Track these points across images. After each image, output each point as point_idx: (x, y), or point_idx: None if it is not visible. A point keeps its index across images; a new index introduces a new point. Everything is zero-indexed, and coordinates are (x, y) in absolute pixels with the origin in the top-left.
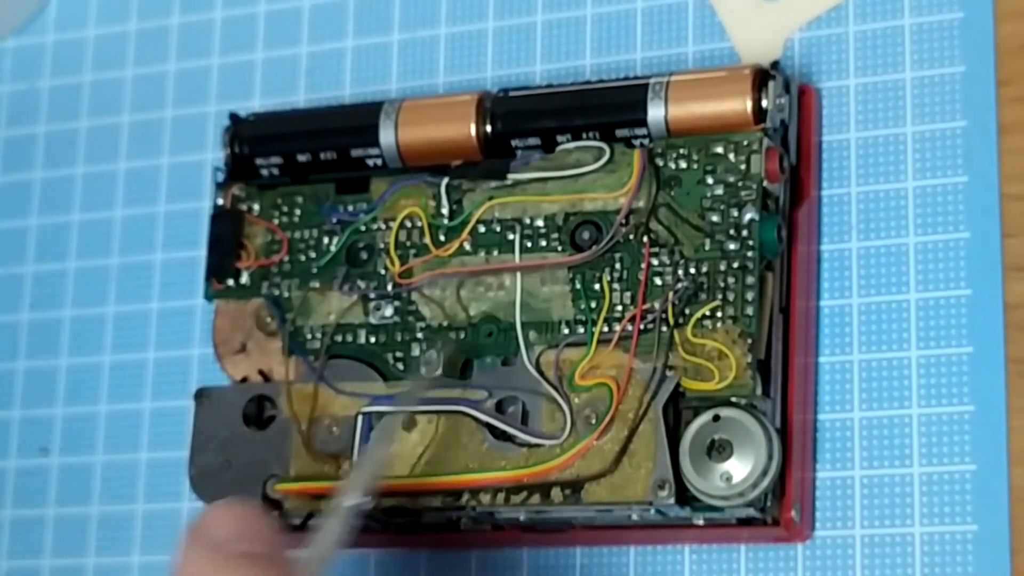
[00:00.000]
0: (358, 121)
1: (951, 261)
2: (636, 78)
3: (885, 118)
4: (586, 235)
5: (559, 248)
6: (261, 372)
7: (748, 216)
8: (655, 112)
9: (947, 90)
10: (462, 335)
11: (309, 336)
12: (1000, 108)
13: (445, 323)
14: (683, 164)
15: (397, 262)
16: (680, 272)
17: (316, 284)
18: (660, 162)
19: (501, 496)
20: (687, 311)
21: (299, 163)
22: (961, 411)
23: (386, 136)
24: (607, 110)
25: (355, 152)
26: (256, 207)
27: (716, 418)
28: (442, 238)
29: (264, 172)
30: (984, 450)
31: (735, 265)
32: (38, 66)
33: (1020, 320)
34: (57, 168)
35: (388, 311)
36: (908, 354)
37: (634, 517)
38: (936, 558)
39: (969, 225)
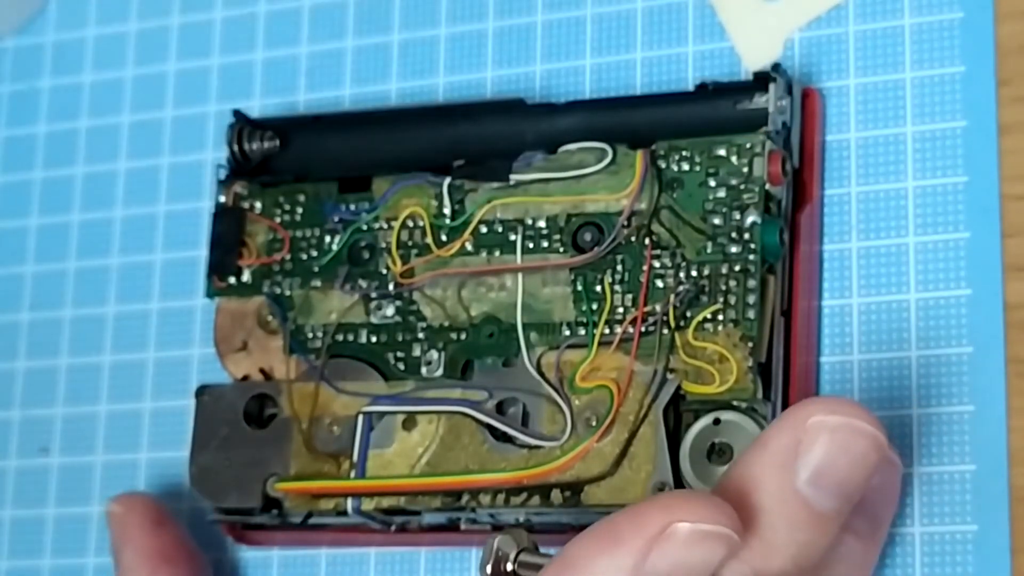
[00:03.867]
0: None
1: (951, 261)
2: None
3: (885, 118)
4: (588, 236)
5: (561, 249)
6: (262, 370)
7: (750, 219)
8: None
9: (947, 90)
10: (463, 335)
11: (310, 335)
12: (1000, 108)
13: (446, 323)
14: (685, 166)
15: (399, 262)
16: (681, 275)
17: (318, 283)
18: (662, 164)
19: (501, 497)
20: (688, 314)
21: None
22: (961, 411)
23: None
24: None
25: None
26: (258, 205)
27: (716, 421)
28: (444, 238)
29: None
30: (984, 450)
31: (737, 268)
32: (38, 66)
33: (1020, 320)
34: (57, 168)
35: (389, 311)
36: (908, 354)
37: None
38: (936, 558)
39: (969, 225)
